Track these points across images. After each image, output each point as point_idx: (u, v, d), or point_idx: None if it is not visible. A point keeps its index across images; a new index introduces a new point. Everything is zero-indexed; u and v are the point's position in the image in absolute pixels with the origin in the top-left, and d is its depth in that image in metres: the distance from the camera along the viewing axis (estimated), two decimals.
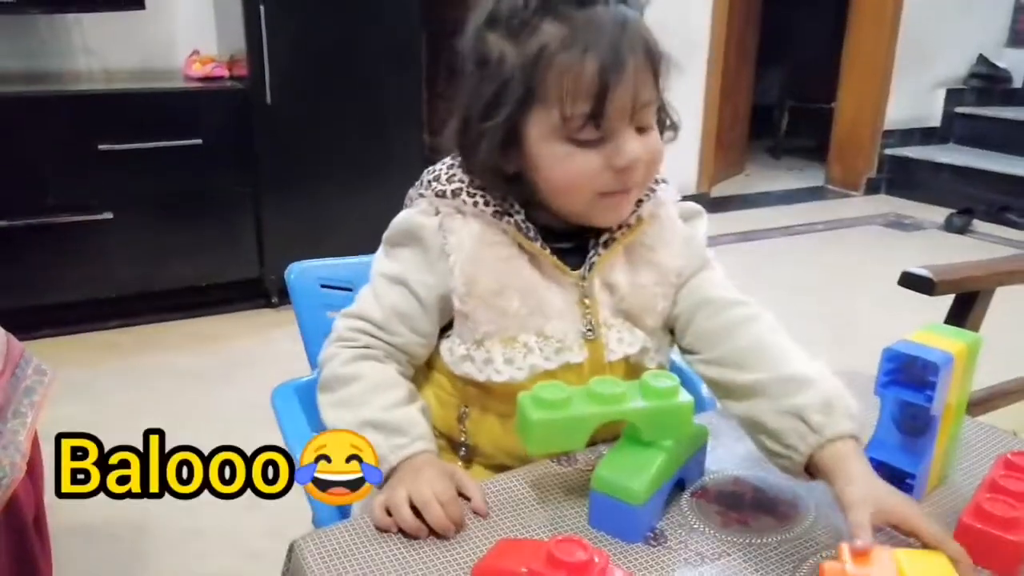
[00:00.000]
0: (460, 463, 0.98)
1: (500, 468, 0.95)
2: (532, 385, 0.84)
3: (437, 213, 0.92)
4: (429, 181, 0.94)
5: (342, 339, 0.95)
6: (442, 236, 0.91)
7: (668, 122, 0.93)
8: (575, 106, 0.82)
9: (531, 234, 0.91)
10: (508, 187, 0.90)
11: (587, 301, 0.92)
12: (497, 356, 0.90)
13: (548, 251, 0.91)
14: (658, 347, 0.96)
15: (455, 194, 0.91)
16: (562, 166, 0.85)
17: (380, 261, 0.97)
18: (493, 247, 0.90)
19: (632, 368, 0.94)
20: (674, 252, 0.95)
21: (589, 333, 0.92)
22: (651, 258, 0.94)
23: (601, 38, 0.81)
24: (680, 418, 0.79)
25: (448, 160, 0.95)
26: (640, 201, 0.93)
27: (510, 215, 0.91)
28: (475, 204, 0.91)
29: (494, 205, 0.91)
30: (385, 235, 0.97)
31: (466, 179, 0.92)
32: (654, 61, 0.84)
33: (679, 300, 0.96)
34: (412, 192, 0.98)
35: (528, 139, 0.86)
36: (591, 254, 0.92)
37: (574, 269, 0.92)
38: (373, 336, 0.94)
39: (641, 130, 0.85)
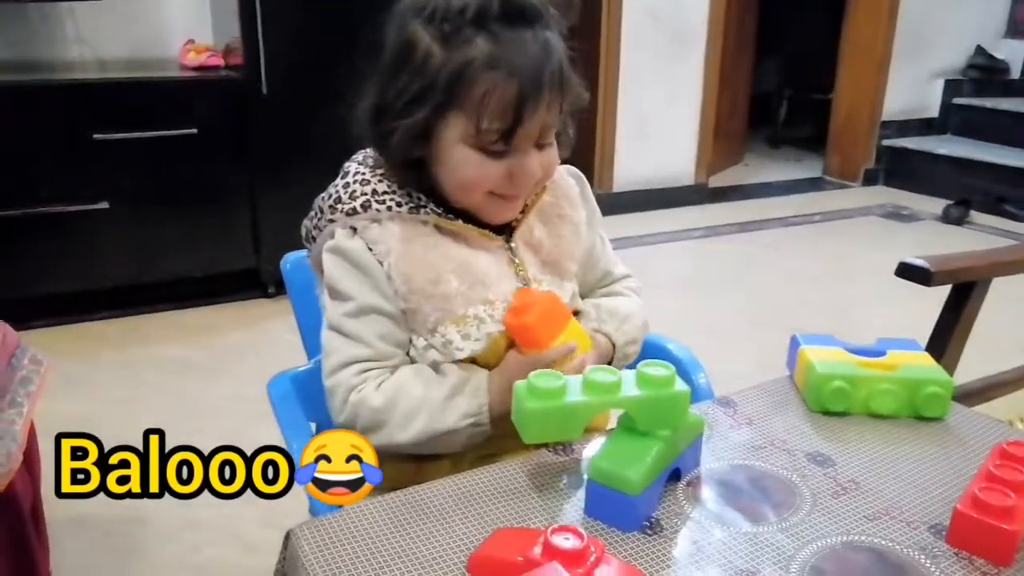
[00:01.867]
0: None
1: (463, 454, 0.98)
2: (493, 352, 0.94)
3: (354, 232, 0.94)
4: (331, 206, 0.97)
5: (353, 387, 0.95)
6: (369, 250, 0.94)
7: (566, 132, 1.00)
8: (491, 122, 0.88)
9: (449, 215, 0.96)
10: (410, 174, 0.95)
11: (516, 261, 0.99)
12: (454, 336, 0.95)
13: (470, 225, 0.97)
14: (576, 290, 1.08)
15: (365, 207, 0.95)
16: (467, 169, 0.91)
17: (335, 307, 0.97)
18: (418, 240, 0.94)
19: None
20: (576, 206, 1.06)
21: (526, 286, 0.99)
22: (560, 213, 1.04)
23: (525, 65, 0.86)
24: (676, 407, 0.79)
25: (338, 182, 0.99)
26: None
27: (424, 206, 0.95)
28: (389, 208, 0.95)
29: (407, 204, 0.95)
30: (325, 280, 0.98)
31: (368, 190, 0.96)
32: (564, 89, 0.91)
33: (587, 270, 1.10)
34: (308, 224, 1.01)
35: (440, 138, 0.91)
36: (511, 221, 1.00)
37: (497, 235, 1.00)
38: (376, 369, 0.96)
39: (541, 146, 0.93)
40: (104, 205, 2.70)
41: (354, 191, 0.96)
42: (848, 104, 5.26)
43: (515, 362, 0.94)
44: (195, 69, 2.92)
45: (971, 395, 1.68)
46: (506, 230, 1.00)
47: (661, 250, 3.83)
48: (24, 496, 1.22)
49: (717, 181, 4.96)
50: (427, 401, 0.93)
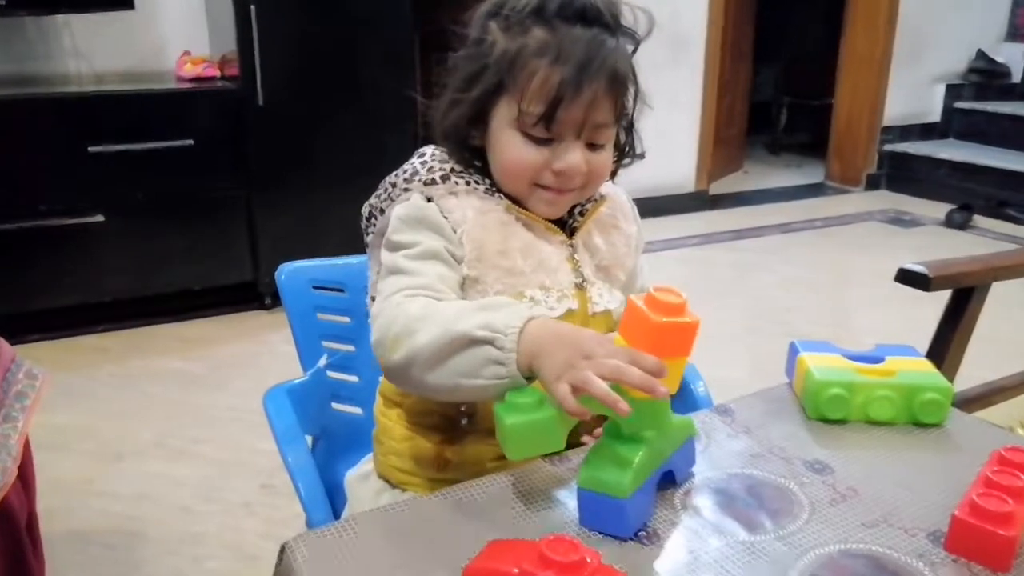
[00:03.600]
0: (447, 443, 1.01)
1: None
2: None
3: (429, 201, 0.97)
4: (407, 179, 0.99)
5: (396, 301, 0.89)
6: (443, 216, 0.96)
7: (629, 148, 1.05)
8: (532, 105, 0.91)
9: (520, 205, 0.99)
10: (469, 156, 1.00)
11: (576, 258, 1.01)
12: None
13: (537, 216, 0.99)
14: (624, 300, 1.06)
15: (444, 179, 0.98)
16: (511, 152, 0.95)
17: (394, 256, 0.95)
18: (492, 214, 0.97)
19: (613, 323, 1.04)
20: (629, 221, 1.10)
21: (582, 283, 1.01)
22: (615, 224, 1.07)
23: (572, 55, 0.90)
24: (658, 408, 0.78)
25: (414, 161, 1.01)
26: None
27: (498, 192, 0.99)
28: (467, 184, 0.98)
29: (483, 185, 0.99)
30: (390, 231, 0.97)
31: (447, 167, 0.99)
32: (617, 91, 0.94)
33: (628, 287, 1.09)
34: (374, 202, 1.03)
35: (493, 121, 0.96)
36: (570, 221, 1.03)
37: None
38: (429, 295, 0.90)
39: (592, 147, 0.95)
40: (100, 218, 2.71)
41: (432, 167, 0.99)
42: (848, 109, 5.27)
43: (591, 332, 0.80)
44: (191, 81, 2.94)
45: (972, 401, 1.68)
46: (567, 229, 1.03)
47: (662, 258, 3.83)
48: (20, 510, 1.22)
49: (717, 188, 4.97)
50: (458, 306, 0.87)
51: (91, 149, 2.64)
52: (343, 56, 2.92)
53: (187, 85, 2.92)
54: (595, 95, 0.91)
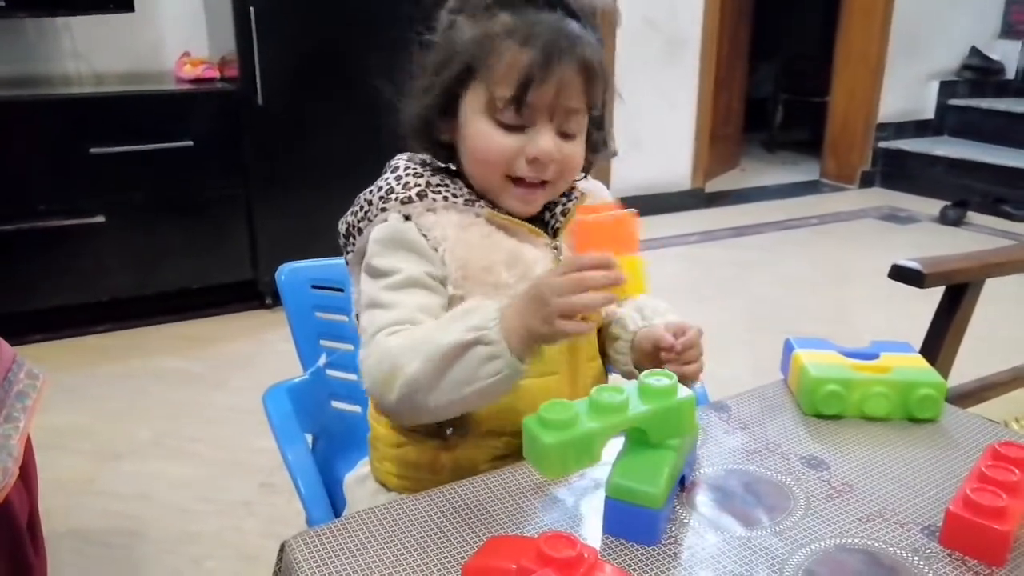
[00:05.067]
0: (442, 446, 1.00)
1: (490, 435, 0.97)
2: None
3: (407, 219, 0.95)
4: (382, 197, 0.97)
5: (378, 341, 0.89)
6: (423, 235, 0.94)
7: (602, 143, 1.03)
8: (502, 89, 0.91)
9: (501, 211, 0.97)
10: (437, 150, 0.99)
11: (561, 259, 0.99)
12: None
13: (520, 220, 0.97)
14: None
15: (421, 196, 0.95)
16: (483, 140, 0.94)
17: (374, 284, 0.95)
18: (473, 228, 0.95)
19: (601, 320, 1.05)
20: None
21: None
22: None
23: (540, 37, 0.90)
24: (684, 415, 0.78)
25: (388, 176, 0.99)
26: (571, 187, 1.04)
27: (477, 200, 0.97)
28: (445, 199, 0.96)
29: (462, 196, 0.97)
30: (366, 262, 0.97)
31: (422, 182, 0.97)
32: (586, 76, 0.92)
33: None
34: (351, 219, 1.00)
35: (462, 111, 0.95)
36: (553, 222, 1.01)
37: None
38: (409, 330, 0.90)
39: (565, 136, 0.94)
40: (101, 219, 2.71)
41: (408, 183, 0.97)
42: (844, 107, 5.28)
43: (542, 277, 0.84)
44: (191, 82, 2.94)
45: (966, 396, 1.68)
46: (550, 231, 1.01)
47: (658, 255, 3.83)
48: (21, 510, 1.22)
49: (713, 186, 4.97)
50: (434, 325, 0.88)
51: (92, 150, 2.64)
52: (342, 57, 2.92)
53: (187, 86, 2.92)
54: (565, 78, 0.90)
